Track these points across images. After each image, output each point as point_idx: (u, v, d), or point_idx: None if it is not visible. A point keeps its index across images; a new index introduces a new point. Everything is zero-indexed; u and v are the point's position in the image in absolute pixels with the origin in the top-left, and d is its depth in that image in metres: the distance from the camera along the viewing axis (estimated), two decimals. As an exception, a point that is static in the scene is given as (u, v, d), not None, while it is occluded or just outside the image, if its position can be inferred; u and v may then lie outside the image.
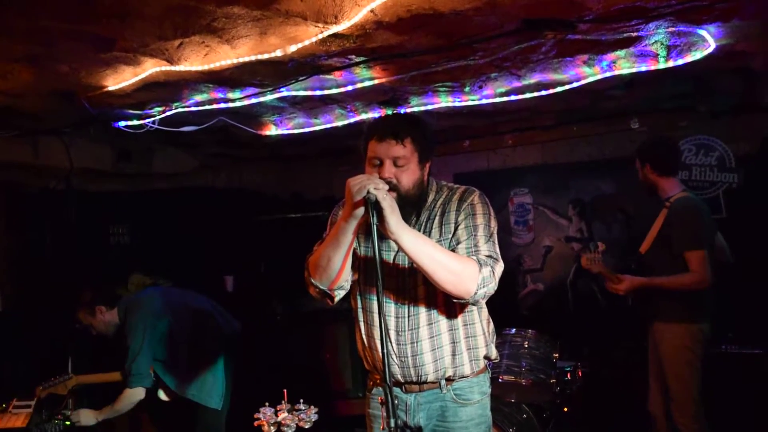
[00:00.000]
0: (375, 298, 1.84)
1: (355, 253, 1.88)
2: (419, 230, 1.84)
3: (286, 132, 3.86)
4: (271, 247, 4.06)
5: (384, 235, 1.66)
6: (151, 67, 2.51)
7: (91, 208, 3.94)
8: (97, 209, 4.04)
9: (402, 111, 3.42)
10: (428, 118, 3.72)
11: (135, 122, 3.29)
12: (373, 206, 1.58)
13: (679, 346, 2.72)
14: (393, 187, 1.73)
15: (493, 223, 1.83)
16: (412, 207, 1.80)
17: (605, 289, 2.98)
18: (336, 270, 1.73)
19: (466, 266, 1.67)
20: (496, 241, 1.81)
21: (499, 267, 1.74)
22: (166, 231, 4.38)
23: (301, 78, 2.75)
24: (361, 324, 1.92)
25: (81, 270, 3.55)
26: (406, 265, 1.84)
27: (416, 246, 1.63)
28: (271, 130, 3.85)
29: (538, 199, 4.51)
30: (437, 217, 1.84)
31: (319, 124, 3.79)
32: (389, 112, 3.45)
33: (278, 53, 2.37)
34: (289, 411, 1.92)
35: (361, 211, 1.62)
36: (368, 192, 1.57)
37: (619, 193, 4.16)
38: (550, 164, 4.44)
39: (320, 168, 5.38)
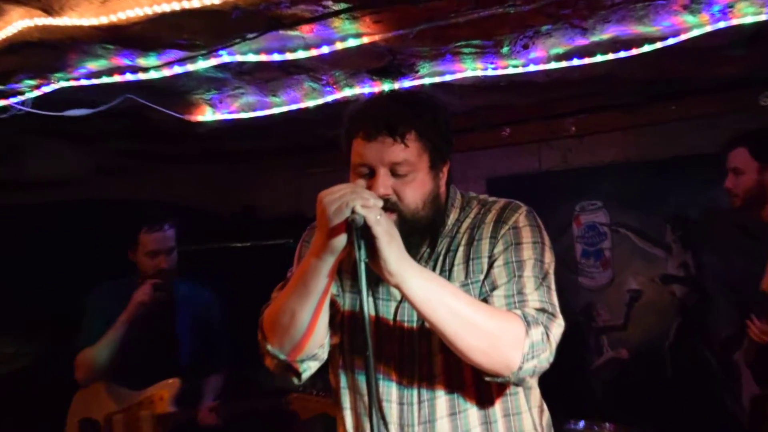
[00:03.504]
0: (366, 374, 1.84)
1: (335, 305, 1.88)
2: (434, 269, 1.85)
3: (228, 117, 3.87)
4: (205, 301, 4.08)
5: (379, 278, 1.66)
6: (17, 19, 2.50)
7: None
8: None
9: (404, 87, 3.43)
10: (445, 96, 3.72)
11: (-6, 103, 3.32)
12: (361, 234, 1.57)
13: None
14: (392, 207, 1.74)
15: (548, 257, 1.83)
16: (422, 234, 1.81)
17: (724, 356, 2.96)
18: (303, 331, 1.72)
19: (506, 326, 1.67)
20: (553, 286, 1.81)
21: (557, 326, 1.74)
22: (25, 272, 4.41)
23: (250, 35, 2.76)
24: (347, 414, 1.92)
25: None
26: (414, 324, 1.84)
27: (429, 294, 1.63)
28: (206, 115, 3.86)
29: (618, 218, 4.51)
30: (462, 249, 1.85)
31: (280, 106, 3.80)
32: (386, 87, 3.46)
33: (215, -4, 2.39)
34: None
35: (342, 241, 1.61)
36: (353, 212, 1.57)
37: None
38: (636, 162, 4.45)
39: (282, 171, 5.40)
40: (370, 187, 1.73)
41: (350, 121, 1.81)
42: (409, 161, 1.74)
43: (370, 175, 1.76)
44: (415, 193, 1.76)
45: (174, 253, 3.57)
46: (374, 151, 1.73)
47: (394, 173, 1.75)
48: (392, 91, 1.99)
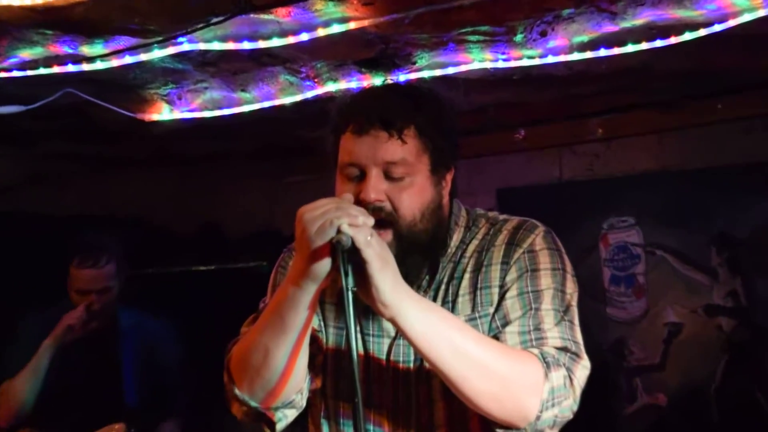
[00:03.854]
0: (353, 424, 1.86)
1: (317, 342, 1.88)
2: (435, 300, 1.85)
3: (188, 116, 3.87)
4: (156, 332, 4.06)
5: (370, 310, 1.67)
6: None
7: None
8: None
9: (400, 79, 3.44)
10: (448, 93, 3.74)
11: None
12: (348, 257, 1.57)
13: None
14: (385, 219, 1.75)
15: (570, 286, 1.83)
16: (421, 256, 1.81)
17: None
18: (278, 373, 1.71)
19: (521, 368, 1.66)
20: (576, 320, 1.81)
21: (582, 368, 1.73)
22: None
23: (215, 19, 2.76)
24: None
25: None
26: (411, 365, 1.84)
27: (430, 329, 1.62)
28: (162, 113, 3.85)
29: (654, 237, 4.52)
30: (468, 276, 1.85)
31: (251, 103, 3.81)
32: (377, 81, 3.46)
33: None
34: None
35: (325, 266, 1.60)
36: (339, 231, 1.57)
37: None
38: (674, 171, 4.47)
39: (253, 181, 5.41)
40: (359, 194, 1.73)
41: (339, 114, 1.81)
42: (406, 161, 1.75)
43: (360, 178, 1.76)
44: (413, 200, 1.77)
45: (112, 291, 3.52)
46: (366, 148, 1.74)
47: (388, 176, 1.75)
48: (388, 83, 2.01)
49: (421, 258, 1.82)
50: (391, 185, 1.75)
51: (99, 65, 3.13)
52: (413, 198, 1.77)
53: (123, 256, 3.60)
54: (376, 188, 1.74)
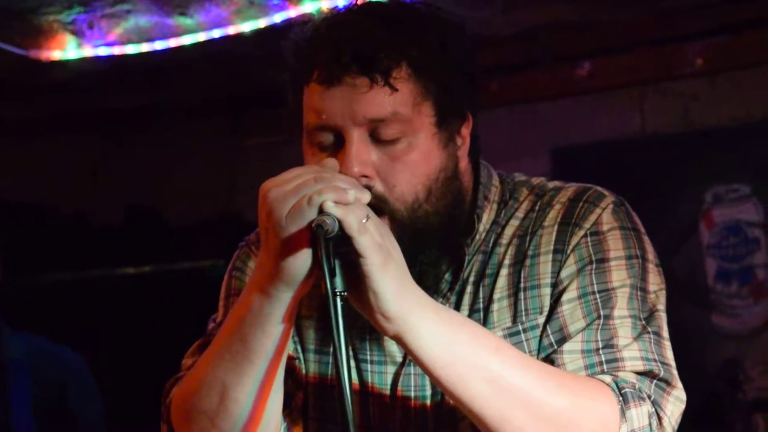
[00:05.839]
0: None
1: (293, 374, 1.90)
2: (458, 308, 1.87)
3: (104, 53, 3.91)
4: (67, 365, 4.10)
5: (368, 324, 1.68)
6: None
7: None
8: None
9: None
10: (478, 9, 3.75)
11: None
12: (335, 249, 1.57)
13: None
14: (377, 204, 1.72)
15: (655, 282, 1.84)
16: (436, 249, 1.82)
17: None
18: (241, 421, 1.71)
19: (586, 403, 1.67)
20: (664, 330, 1.81)
21: (674, 400, 1.74)
22: None
23: None
24: None
25: None
26: (428, 400, 1.87)
27: (451, 351, 1.63)
28: (67, 49, 3.89)
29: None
30: (506, 272, 1.87)
31: (193, 32, 3.85)
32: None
33: None
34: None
35: (304, 262, 1.59)
36: (321, 212, 1.57)
37: None
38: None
39: (200, 146, 5.43)
40: (342, 168, 1.72)
41: (297, 55, 1.81)
42: (399, 116, 1.72)
43: (337, 146, 1.75)
44: (414, 171, 1.75)
45: None
46: (340, 102, 1.72)
47: (376, 139, 1.73)
48: (368, 1, 1.97)
49: (437, 252, 1.82)
50: (381, 153, 1.74)
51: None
52: (414, 168, 1.76)
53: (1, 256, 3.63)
54: (360, 159, 1.72)
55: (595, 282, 1.83)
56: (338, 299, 1.58)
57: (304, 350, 1.98)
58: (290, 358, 1.93)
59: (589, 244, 1.87)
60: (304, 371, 1.98)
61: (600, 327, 1.80)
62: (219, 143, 5.38)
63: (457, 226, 1.87)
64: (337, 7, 2.11)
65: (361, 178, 1.73)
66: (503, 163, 1.99)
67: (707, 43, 4.56)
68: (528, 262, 1.88)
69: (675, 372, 1.81)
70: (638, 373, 1.77)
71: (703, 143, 4.65)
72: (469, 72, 1.88)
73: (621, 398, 1.71)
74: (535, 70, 4.69)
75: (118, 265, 4.94)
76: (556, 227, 1.89)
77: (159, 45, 3.91)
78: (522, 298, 1.87)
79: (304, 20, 3.77)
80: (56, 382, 3.78)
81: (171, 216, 5.52)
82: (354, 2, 1.97)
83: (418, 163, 1.79)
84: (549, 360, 1.79)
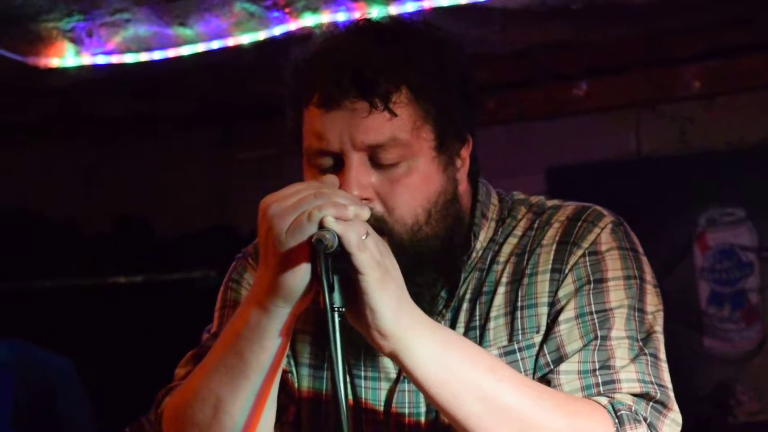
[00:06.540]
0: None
1: (286, 388, 1.90)
2: (454, 326, 1.86)
3: (102, 62, 3.91)
4: (57, 371, 4.08)
5: (363, 341, 1.68)
6: None
7: None
8: None
9: (404, 12, 3.42)
10: (477, 28, 3.74)
11: None
12: (333, 265, 1.57)
13: None
14: (377, 225, 1.72)
15: (653, 303, 1.85)
16: (433, 270, 1.82)
17: None
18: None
19: (583, 425, 1.67)
20: (662, 352, 1.82)
21: (670, 423, 1.74)
22: None
23: None
24: None
25: None
26: (423, 418, 1.86)
27: (447, 369, 1.63)
28: (65, 57, 3.88)
29: (774, 238, 4.57)
30: (503, 290, 1.87)
31: (192, 43, 3.85)
32: (374, 12, 3.45)
33: None
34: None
35: (302, 277, 1.59)
36: (321, 227, 1.57)
37: None
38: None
39: (195, 156, 5.44)
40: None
41: (297, 77, 1.81)
42: (398, 141, 1.73)
43: (336, 168, 1.74)
44: (413, 195, 1.76)
45: None
46: (339, 126, 1.72)
47: (375, 163, 1.73)
48: (367, 21, 1.97)
49: (434, 274, 1.83)
50: (381, 176, 1.74)
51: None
52: (413, 191, 1.76)
53: None
54: (360, 182, 1.72)
55: (592, 302, 1.83)
56: (336, 315, 1.57)
57: (297, 364, 1.97)
58: (283, 372, 1.92)
59: (588, 263, 1.87)
60: (296, 385, 1.97)
61: (597, 348, 1.80)
62: (212, 154, 5.38)
63: (452, 246, 1.87)
64: (337, 23, 2.12)
65: (364, 200, 1.74)
66: (498, 181, 2.00)
67: (704, 66, 4.57)
68: (526, 280, 1.88)
69: (672, 394, 1.81)
70: (635, 395, 1.76)
71: (698, 166, 4.66)
72: (468, 94, 1.85)
73: (617, 420, 1.71)
74: (531, 89, 4.70)
75: (108, 274, 4.93)
76: (554, 246, 1.89)
77: (157, 55, 3.90)
78: (519, 316, 1.86)
79: (303, 36, 3.81)
80: (45, 387, 3.77)
81: (162, 226, 5.51)
82: (354, 21, 1.96)
83: (417, 186, 1.80)
84: (545, 380, 1.79)
